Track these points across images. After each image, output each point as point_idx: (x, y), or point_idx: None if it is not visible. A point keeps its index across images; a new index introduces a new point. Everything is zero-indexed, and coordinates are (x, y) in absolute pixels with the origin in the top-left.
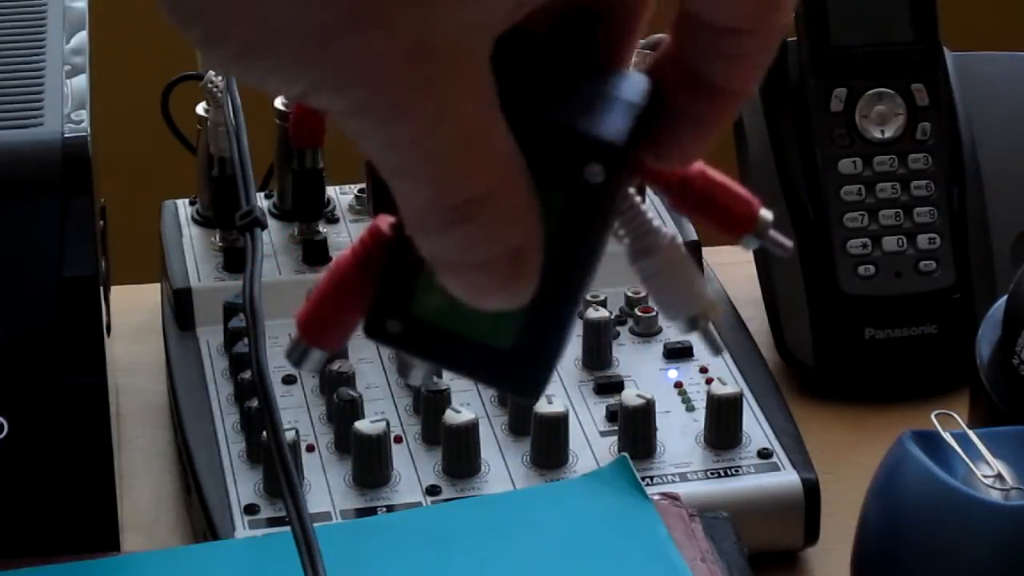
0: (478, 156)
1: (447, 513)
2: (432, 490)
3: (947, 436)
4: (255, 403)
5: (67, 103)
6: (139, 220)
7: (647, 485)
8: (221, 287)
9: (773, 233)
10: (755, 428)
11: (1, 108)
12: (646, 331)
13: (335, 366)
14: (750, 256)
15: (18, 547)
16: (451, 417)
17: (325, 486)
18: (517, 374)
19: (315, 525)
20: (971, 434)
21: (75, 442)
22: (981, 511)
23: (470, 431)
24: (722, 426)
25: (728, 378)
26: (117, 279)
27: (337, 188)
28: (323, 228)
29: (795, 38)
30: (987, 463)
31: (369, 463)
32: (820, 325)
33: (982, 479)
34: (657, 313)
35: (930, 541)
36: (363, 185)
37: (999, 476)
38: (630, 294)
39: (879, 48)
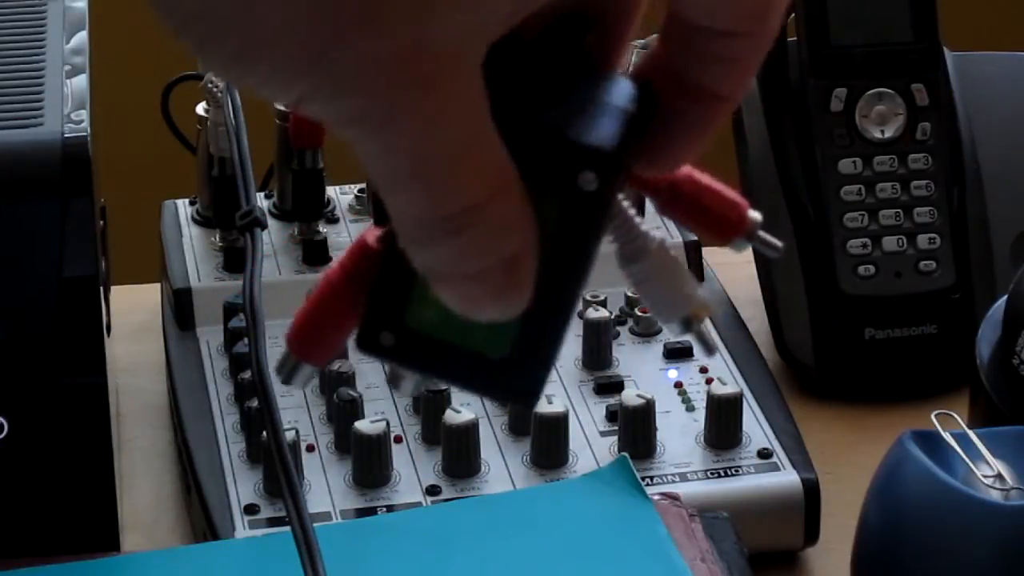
0: (472, 164)
1: (447, 513)
2: (432, 490)
3: (947, 436)
4: (255, 403)
5: (67, 103)
6: (139, 220)
7: (647, 485)
8: (221, 287)
9: (763, 234)
10: (755, 428)
11: (1, 108)
12: (646, 331)
13: (335, 366)
14: (750, 256)
15: (18, 547)
16: (451, 417)
17: (325, 486)
18: (512, 382)
19: (315, 525)
20: (971, 434)
21: (75, 442)
22: (981, 511)
23: (470, 431)
24: (722, 426)
25: (728, 378)
26: (117, 279)
27: (337, 188)
28: (323, 228)
29: (795, 38)
30: (987, 463)
31: (369, 463)
32: (820, 325)
33: (982, 479)
34: None
35: (930, 541)
36: (363, 185)
37: (999, 476)
38: (630, 294)
39: (879, 48)
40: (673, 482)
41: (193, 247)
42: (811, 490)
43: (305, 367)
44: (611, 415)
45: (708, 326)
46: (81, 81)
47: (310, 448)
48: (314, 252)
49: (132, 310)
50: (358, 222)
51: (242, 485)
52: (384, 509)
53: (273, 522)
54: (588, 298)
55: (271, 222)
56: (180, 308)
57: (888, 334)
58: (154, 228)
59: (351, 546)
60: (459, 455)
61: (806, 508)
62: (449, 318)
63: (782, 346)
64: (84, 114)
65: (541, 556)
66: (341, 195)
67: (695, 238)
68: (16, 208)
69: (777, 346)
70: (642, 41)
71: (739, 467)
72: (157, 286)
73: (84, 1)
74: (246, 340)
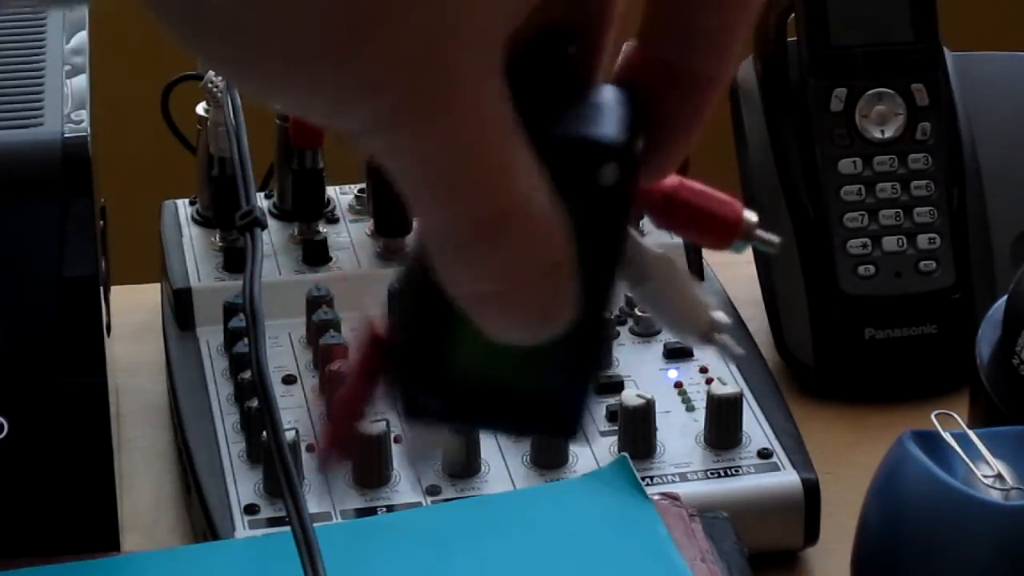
0: (508, 161)
1: (447, 513)
2: (432, 490)
3: (947, 436)
4: (255, 403)
5: (67, 103)
6: (139, 220)
7: (647, 485)
8: (221, 287)
9: (760, 232)
10: (755, 428)
11: (1, 108)
12: (646, 331)
13: (335, 366)
14: (750, 256)
15: (18, 547)
16: None
17: (325, 486)
18: (556, 413)
19: (315, 525)
20: (971, 434)
21: (75, 442)
22: (981, 511)
23: (470, 431)
24: (722, 426)
25: (728, 378)
26: (117, 279)
27: (337, 188)
28: (323, 228)
29: (795, 38)
30: (987, 463)
31: (369, 463)
32: (820, 325)
33: (982, 479)
34: None
35: (930, 541)
36: (363, 185)
37: (999, 476)
38: (630, 294)
39: (879, 48)
40: (673, 482)
41: (193, 247)
42: (811, 490)
43: (341, 463)
44: (611, 415)
45: (724, 336)
46: (81, 81)
47: (310, 448)
48: (314, 252)
49: (132, 310)
50: (358, 222)
51: (242, 485)
52: (384, 509)
53: (273, 522)
54: None
55: (271, 222)
56: (180, 308)
57: (888, 334)
58: (154, 228)
59: (351, 546)
60: (459, 455)
61: (806, 508)
62: (491, 357)
63: (782, 346)
64: (84, 114)
65: (541, 556)
66: (341, 195)
67: None
68: (16, 208)
69: (777, 346)
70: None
71: (739, 467)
72: (157, 286)
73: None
74: (246, 340)
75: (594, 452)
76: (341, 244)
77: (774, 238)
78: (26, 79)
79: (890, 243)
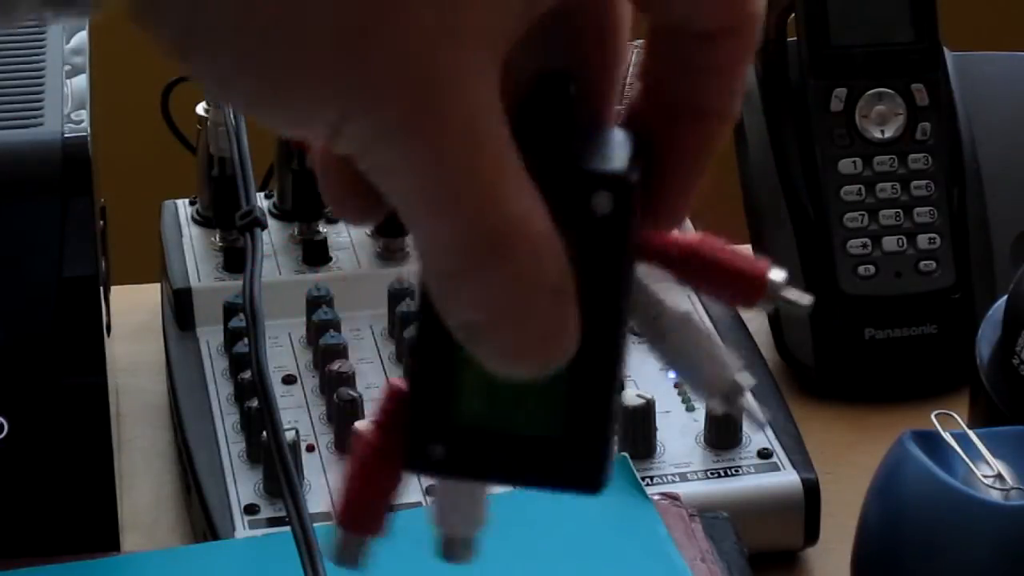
0: (507, 176)
1: None
2: (432, 490)
3: (947, 436)
4: (255, 403)
5: (67, 103)
6: (139, 220)
7: (647, 485)
8: (221, 287)
9: (787, 292)
10: (755, 428)
11: (1, 108)
12: None
13: (335, 366)
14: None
15: (18, 547)
16: None
17: (325, 486)
18: (575, 463)
19: (315, 525)
20: (971, 434)
21: (75, 442)
22: (981, 511)
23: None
24: (722, 426)
25: None
26: (117, 279)
27: None
28: (323, 228)
29: (795, 38)
30: (987, 463)
31: None
32: (820, 325)
33: (982, 479)
34: None
35: (930, 541)
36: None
37: (999, 476)
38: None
39: (879, 48)
40: (673, 482)
41: (193, 247)
42: (811, 490)
43: (364, 541)
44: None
45: (750, 398)
46: (81, 81)
47: (310, 448)
48: (314, 252)
49: (132, 310)
50: None
51: (242, 485)
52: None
53: (273, 522)
54: None
55: (271, 222)
56: (180, 308)
57: (888, 334)
58: (154, 228)
59: None
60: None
61: (806, 508)
62: (497, 402)
63: (782, 346)
64: (84, 114)
65: (541, 556)
66: None
67: None
68: (16, 208)
69: (777, 346)
70: (639, 41)
71: (739, 467)
72: (157, 286)
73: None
74: (246, 340)
75: None
76: (341, 244)
77: (803, 298)
78: (26, 79)
79: (890, 243)
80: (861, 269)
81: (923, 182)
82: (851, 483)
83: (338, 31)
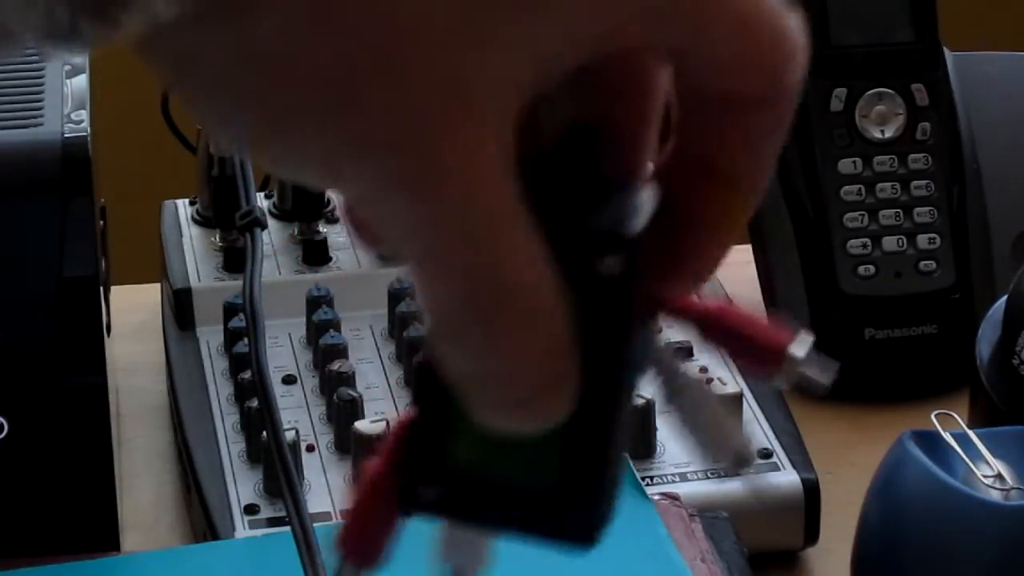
0: (511, 230)
1: None
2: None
3: (947, 436)
4: (255, 403)
5: (67, 103)
6: (139, 220)
7: (647, 485)
8: (221, 287)
9: (805, 369)
10: (755, 428)
11: (1, 108)
12: None
13: (335, 366)
14: (750, 256)
15: (18, 547)
16: None
17: (325, 486)
18: (568, 516)
19: (315, 525)
20: (971, 434)
21: (75, 442)
22: (981, 511)
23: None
24: None
25: (728, 378)
26: (117, 279)
27: None
28: (323, 228)
29: None
30: (987, 463)
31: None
32: (820, 325)
33: (982, 479)
34: None
35: (930, 541)
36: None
37: (999, 476)
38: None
39: (879, 48)
40: (673, 482)
41: (193, 247)
42: (811, 490)
43: (367, 572)
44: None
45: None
46: (81, 81)
47: (310, 448)
48: (314, 252)
49: (132, 310)
50: None
51: (242, 485)
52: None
53: (273, 522)
54: None
55: (271, 222)
56: (180, 308)
57: (888, 334)
58: (154, 228)
59: None
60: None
61: (806, 508)
62: (492, 450)
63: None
64: (84, 114)
65: (540, 556)
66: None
67: None
68: (16, 208)
69: None
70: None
71: None
72: (157, 286)
73: None
74: (246, 340)
75: None
76: (341, 244)
77: (823, 378)
78: (26, 79)
79: (890, 243)
80: (861, 269)
81: (923, 182)
82: (851, 483)
83: (336, 80)
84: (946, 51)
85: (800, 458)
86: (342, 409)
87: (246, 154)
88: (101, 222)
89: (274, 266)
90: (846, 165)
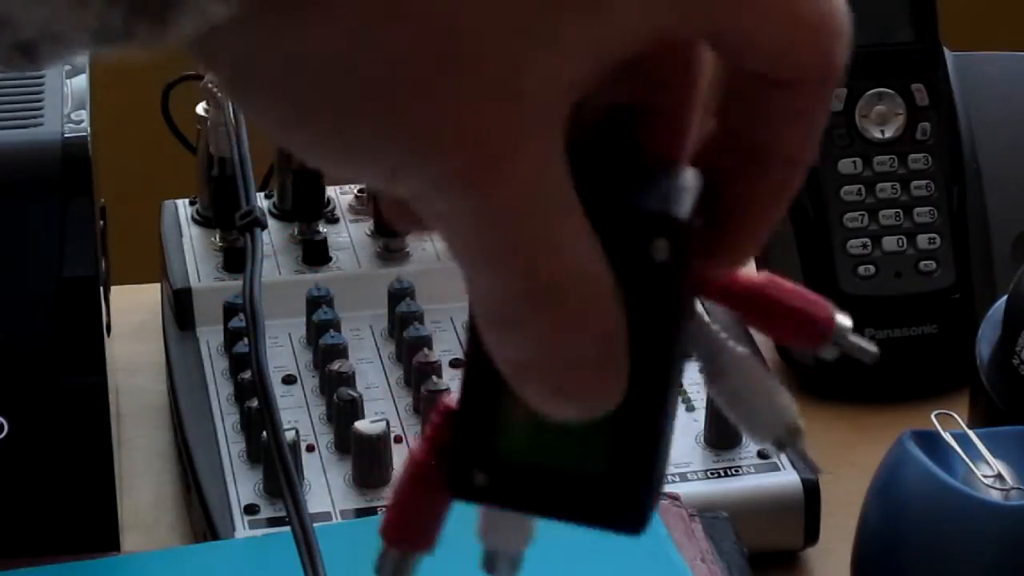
0: (563, 230)
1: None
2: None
3: (947, 436)
4: (255, 403)
5: (67, 103)
6: (139, 220)
7: None
8: (221, 287)
9: (853, 339)
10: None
11: (1, 108)
12: None
13: (335, 366)
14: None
15: (18, 547)
16: None
17: (325, 486)
18: (615, 504)
19: (315, 525)
20: (971, 434)
21: (75, 442)
22: (981, 511)
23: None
24: (722, 426)
25: None
26: (117, 279)
27: (337, 188)
28: (323, 228)
29: None
30: (987, 463)
31: (369, 463)
32: None
33: (982, 479)
34: None
35: (930, 541)
36: (363, 185)
37: (999, 476)
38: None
39: (879, 48)
40: (673, 482)
41: (193, 247)
42: (811, 490)
43: (410, 558)
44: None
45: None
46: (81, 81)
47: (310, 448)
48: (314, 252)
49: (132, 310)
50: (358, 222)
51: (242, 485)
52: (384, 509)
53: (273, 522)
54: None
55: (271, 222)
56: (180, 308)
57: (888, 334)
58: (154, 228)
59: (351, 546)
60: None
61: (806, 508)
62: (540, 437)
63: (782, 346)
64: (84, 114)
65: (541, 556)
66: (341, 195)
67: None
68: (16, 208)
69: (777, 346)
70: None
71: (739, 467)
72: (157, 286)
73: None
74: (246, 340)
75: None
76: (341, 244)
77: (870, 347)
78: (26, 79)
79: (890, 243)
80: (861, 269)
81: (923, 182)
82: (851, 483)
83: (394, 83)
84: (946, 51)
85: (800, 458)
86: (342, 409)
87: (309, 160)
88: (101, 222)
89: (274, 266)
90: (846, 165)
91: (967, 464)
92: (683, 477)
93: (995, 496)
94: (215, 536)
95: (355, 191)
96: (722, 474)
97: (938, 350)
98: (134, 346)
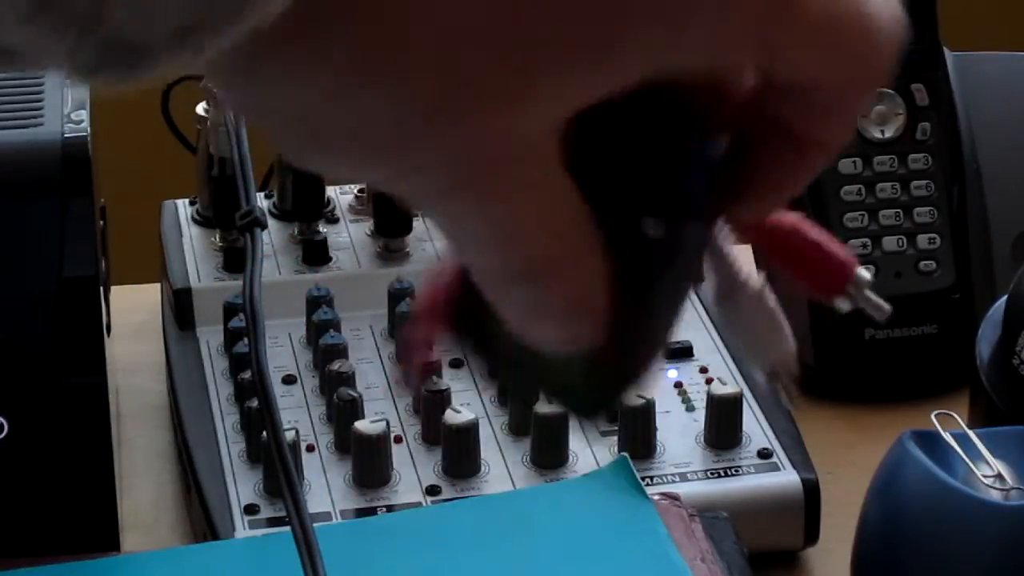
0: (554, 228)
1: (447, 513)
2: (432, 490)
3: (947, 436)
4: (255, 403)
5: (67, 103)
6: (139, 220)
7: (647, 485)
8: (221, 287)
9: (869, 294)
10: (755, 428)
11: (1, 108)
12: None
13: (335, 366)
14: (749, 256)
15: (18, 547)
16: (451, 417)
17: (325, 486)
18: (585, 400)
19: (315, 525)
20: (971, 434)
21: (75, 442)
22: (981, 511)
23: (470, 431)
24: (722, 426)
25: (728, 378)
26: (117, 279)
27: (337, 188)
28: (323, 228)
29: None
30: (987, 463)
31: (369, 463)
32: (820, 325)
33: (982, 479)
34: None
35: (930, 541)
36: (363, 185)
37: (999, 476)
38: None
39: None
40: (673, 482)
41: (193, 247)
42: (811, 490)
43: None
44: (611, 415)
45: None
46: None
47: (310, 448)
48: (314, 252)
49: (132, 310)
50: (358, 222)
51: (242, 485)
52: (384, 509)
53: (273, 522)
54: None
55: (271, 222)
56: (180, 308)
57: (888, 334)
58: (154, 228)
59: (351, 546)
60: (459, 455)
61: (806, 508)
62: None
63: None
64: (84, 114)
65: (541, 556)
66: (341, 195)
67: None
68: (16, 208)
69: None
70: None
71: (739, 467)
72: (157, 286)
73: None
74: (246, 340)
75: (594, 452)
76: (341, 244)
77: (884, 305)
78: (26, 79)
79: (890, 243)
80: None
81: (923, 182)
82: (851, 483)
83: (392, 123)
84: (946, 51)
85: (800, 458)
86: (342, 409)
87: (297, 156)
88: (101, 222)
89: (274, 266)
90: (846, 165)
91: (967, 464)
92: (683, 477)
93: (995, 496)
94: (215, 536)
95: (355, 191)
96: (722, 474)
97: (938, 350)
98: (134, 346)
